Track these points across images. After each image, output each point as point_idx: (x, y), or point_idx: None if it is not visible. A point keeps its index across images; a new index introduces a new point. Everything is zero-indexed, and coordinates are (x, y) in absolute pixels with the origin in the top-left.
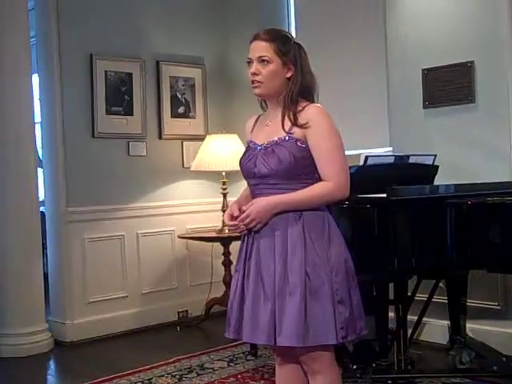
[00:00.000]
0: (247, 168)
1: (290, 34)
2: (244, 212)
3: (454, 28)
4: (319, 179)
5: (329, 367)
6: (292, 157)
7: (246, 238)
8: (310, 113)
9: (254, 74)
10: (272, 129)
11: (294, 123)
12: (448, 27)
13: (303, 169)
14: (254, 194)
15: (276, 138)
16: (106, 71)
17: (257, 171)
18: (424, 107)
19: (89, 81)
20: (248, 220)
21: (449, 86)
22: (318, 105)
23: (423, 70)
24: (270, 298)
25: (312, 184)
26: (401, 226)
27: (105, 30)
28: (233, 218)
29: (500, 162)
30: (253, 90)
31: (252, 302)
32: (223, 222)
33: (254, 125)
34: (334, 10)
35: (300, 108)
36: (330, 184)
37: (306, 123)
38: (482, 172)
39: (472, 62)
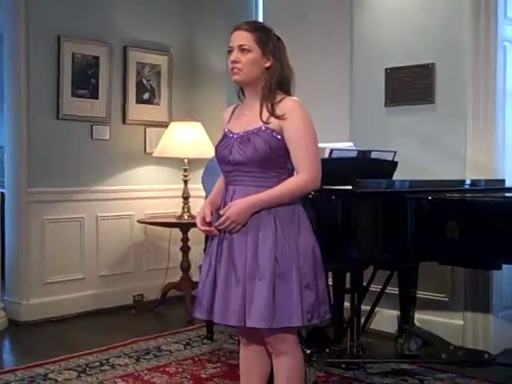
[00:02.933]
0: (222, 155)
1: (270, 27)
2: (222, 216)
3: (417, 31)
4: (292, 169)
5: (293, 349)
6: (267, 146)
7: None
8: (287, 105)
9: (234, 61)
10: (249, 118)
11: (272, 113)
12: (412, 30)
13: (277, 158)
14: (227, 180)
15: (253, 128)
16: (73, 53)
17: (231, 159)
18: (385, 105)
19: (56, 62)
20: (228, 223)
21: (410, 86)
22: (296, 98)
23: (386, 69)
24: (241, 282)
25: (284, 173)
26: (363, 218)
27: (74, 12)
28: (205, 222)
29: (455, 161)
30: (232, 77)
31: (224, 285)
32: (183, 208)
33: (231, 115)
34: (303, 6)
35: (278, 100)
36: (304, 176)
37: (283, 115)
38: (437, 170)
39: (433, 64)
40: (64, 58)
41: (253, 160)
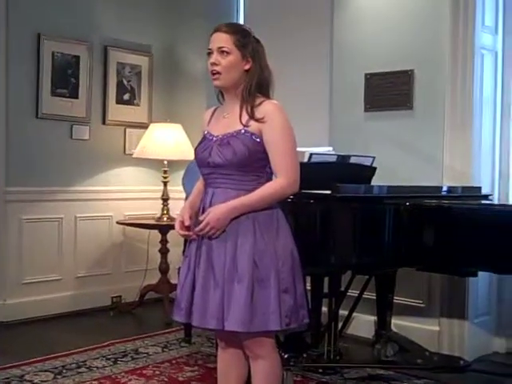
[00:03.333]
0: (202, 157)
1: (250, 29)
2: (202, 222)
3: (397, 37)
4: (271, 172)
5: (271, 353)
6: (246, 149)
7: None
8: (266, 108)
9: (214, 63)
10: (229, 121)
11: (252, 116)
12: (392, 36)
13: (256, 161)
14: (206, 182)
15: (232, 131)
16: (53, 52)
17: (211, 161)
18: (365, 110)
19: (35, 61)
20: (208, 229)
21: (389, 91)
22: (275, 101)
23: (366, 74)
24: (220, 286)
25: (263, 176)
26: (342, 223)
27: (54, 10)
28: (184, 226)
29: (432, 167)
30: (213, 82)
31: (202, 288)
32: (162, 209)
33: (211, 117)
34: (283, 9)
35: (257, 103)
36: (282, 181)
37: (263, 118)
38: (415, 176)
39: (412, 71)
40: (44, 56)
41: (232, 163)
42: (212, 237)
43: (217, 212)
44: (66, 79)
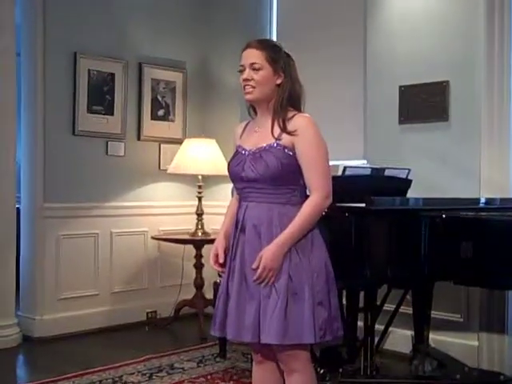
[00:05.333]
0: (235, 171)
1: (280, 45)
2: (257, 269)
3: (431, 47)
4: (304, 185)
5: (305, 366)
6: (279, 163)
7: (231, 238)
8: (299, 122)
9: (247, 79)
10: (261, 135)
11: (284, 129)
12: (426, 46)
13: (289, 175)
14: (241, 196)
15: (264, 145)
16: (89, 70)
17: (244, 175)
18: (399, 123)
19: (72, 79)
20: (265, 273)
21: (424, 103)
22: (307, 115)
23: (400, 86)
24: (255, 298)
25: (296, 189)
26: (377, 236)
27: (90, 29)
28: (218, 262)
29: (469, 179)
30: (245, 96)
31: (237, 301)
32: (197, 224)
33: (243, 131)
34: (316, 22)
35: (289, 116)
36: (316, 197)
37: (295, 131)
38: (452, 188)
39: (447, 82)
40: (80, 74)
41: (265, 176)
42: (272, 279)
43: (268, 254)
44: (101, 96)
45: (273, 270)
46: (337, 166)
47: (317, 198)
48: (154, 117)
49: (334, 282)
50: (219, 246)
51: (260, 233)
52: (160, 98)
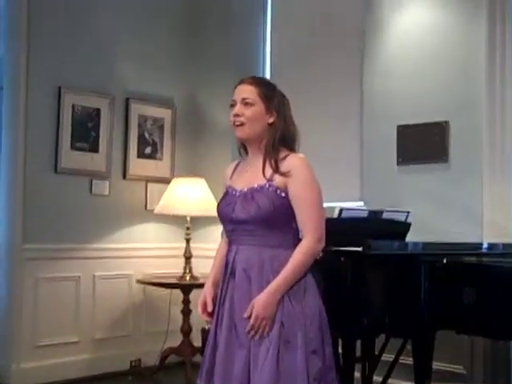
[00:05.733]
0: (225, 213)
1: (275, 84)
2: (249, 318)
3: (430, 87)
4: (296, 228)
5: None
6: (271, 204)
7: (220, 283)
8: (292, 163)
9: (237, 115)
10: (252, 175)
11: (276, 170)
12: (425, 86)
13: (281, 217)
14: (230, 239)
15: (256, 185)
16: (73, 105)
17: (234, 217)
18: (398, 164)
19: (55, 114)
20: (258, 323)
21: (423, 143)
22: (301, 155)
23: (398, 126)
24: (245, 346)
25: (289, 232)
26: (374, 282)
27: (75, 63)
28: (207, 311)
29: (471, 223)
30: (235, 133)
31: (225, 349)
32: (184, 268)
33: (234, 171)
34: (310, 60)
35: (282, 157)
36: (308, 241)
37: (288, 172)
38: (452, 231)
39: (447, 122)
40: (64, 109)
41: (256, 218)
42: (266, 329)
43: (260, 302)
44: (86, 133)
45: (266, 319)
46: (332, 208)
47: (309, 242)
48: (141, 155)
49: (328, 330)
50: (207, 293)
51: (250, 277)
52: (147, 135)
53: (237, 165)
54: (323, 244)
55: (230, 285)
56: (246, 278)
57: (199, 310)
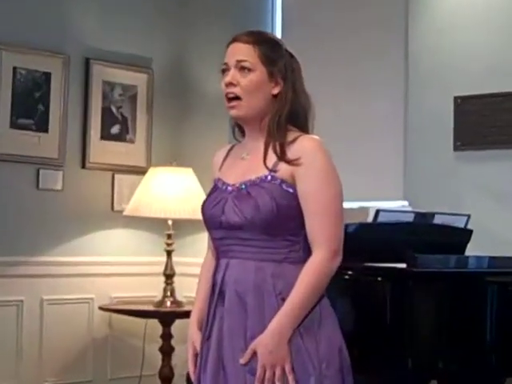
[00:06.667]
0: (212, 215)
1: (281, 41)
2: (246, 365)
3: (499, 44)
4: (305, 236)
5: None
6: (274, 204)
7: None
8: (303, 146)
9: (231, 83)
10: (249, 164)
11: (281, 157)
12: (494, 43)
13: (287, 221)
14: (218, 251)
15: (254, 177)
16: (14, 68)
17: (224, 220)
18: (455, 149)
19: None
20: (269, 373)
21: (490, 122)
22: (315, 137)
23: (456, 98)
24: None
25: (298, 241)
26: (423, 310)
27: (18, 13)
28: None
29: None
30: (229, 111)
31: None
32: (164, 290)
33: (225, 159)
34: (337, 14)
35: (290, 139)
36: (321, 255)
37: (297, 159)
38: None
39: None
40: (2, 73)
41: (253, 222)
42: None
43: (263, 347)
44: (31, 105)
45: (276, 366)
46: (365, 209)
47: (322, 258)
48: (106, 135)
49: (350, 375)
50: (196, 340)
51: (245, 303)
52: (114, 109)
53: (229, 150)
54: (340, 259)
55: (217, 312)
56: (239, 303)
57: (190, 368)
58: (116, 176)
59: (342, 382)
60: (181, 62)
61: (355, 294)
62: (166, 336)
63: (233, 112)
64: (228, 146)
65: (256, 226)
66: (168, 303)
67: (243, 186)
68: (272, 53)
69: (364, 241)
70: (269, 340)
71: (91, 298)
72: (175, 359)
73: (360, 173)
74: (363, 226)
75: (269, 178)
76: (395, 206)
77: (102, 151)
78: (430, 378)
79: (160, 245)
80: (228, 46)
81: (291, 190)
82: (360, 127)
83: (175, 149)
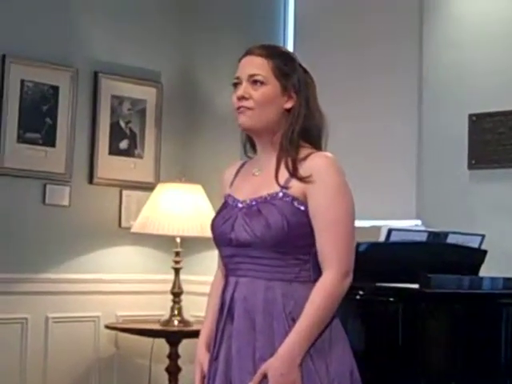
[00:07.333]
0: (221, 232)
1: (294, 55)
2: None
3: None
4: (316, 254)
5: None
6: (285, 221)
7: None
8: (316, 164)
9: (242, 97)
10: (261, 180)
11: (293, 174)
12: (507, 58)
13: (298, 239)
14: (227, 268)
15: (265, 194)
16: (22, 81)
17: (234, 237)
18: (469, 167)
19: None
20: None
21: (505, 140)
22: (328, 154)
23: (470, 115)
24: None
25: (308, 260)
26: (436, 331)
27: (27, 25)
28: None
29: None
30: (238, 120)
31: None
32: (172, 308)
33: (236, 174)
34: (350, 26)
35: (302, 156)
36: (332, 277)
37: (309, 176)
38: None
39: None
40: (10, 86)
41: (263, 240)
42: None
43: (274, 371)
44: (39, 119)
45: None
46: (377, 229)
47: (333, 279)
48: (114, 150)
49: None
50: (204, 361)
51: (254, 322)
52: (123, 124)
53: (240, 166)
54: (351, 279)
55: (226, 331)
56: (248, 322)
57: (197, 381)
58: (124, 192)
59: None
60: (190, 75)
61: (367, 315)
62: (173, 356)
63: (242, 120)
64: (239, 163)
65: (266, 244)
66: (175, 322)
67: (254, 203)
68: (285, 66)
69: (376, 260)
70: (279, 363)
71: (97, 317)
72: (182, 380)
73: (372, 191)
74: (375, 246)
75: (280, 194)
76: (408, 225)
77: (110, 166)
78: None
79: (168, 262)
80: (240, 59)
81: (302, 208)
82: (372, 144)
83: (184, 165)
